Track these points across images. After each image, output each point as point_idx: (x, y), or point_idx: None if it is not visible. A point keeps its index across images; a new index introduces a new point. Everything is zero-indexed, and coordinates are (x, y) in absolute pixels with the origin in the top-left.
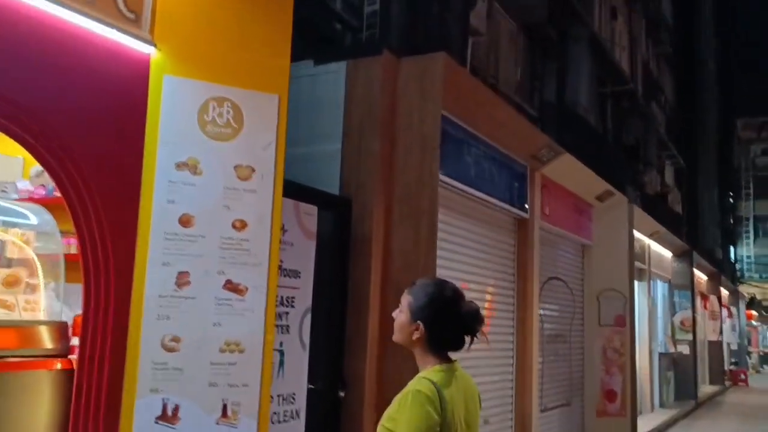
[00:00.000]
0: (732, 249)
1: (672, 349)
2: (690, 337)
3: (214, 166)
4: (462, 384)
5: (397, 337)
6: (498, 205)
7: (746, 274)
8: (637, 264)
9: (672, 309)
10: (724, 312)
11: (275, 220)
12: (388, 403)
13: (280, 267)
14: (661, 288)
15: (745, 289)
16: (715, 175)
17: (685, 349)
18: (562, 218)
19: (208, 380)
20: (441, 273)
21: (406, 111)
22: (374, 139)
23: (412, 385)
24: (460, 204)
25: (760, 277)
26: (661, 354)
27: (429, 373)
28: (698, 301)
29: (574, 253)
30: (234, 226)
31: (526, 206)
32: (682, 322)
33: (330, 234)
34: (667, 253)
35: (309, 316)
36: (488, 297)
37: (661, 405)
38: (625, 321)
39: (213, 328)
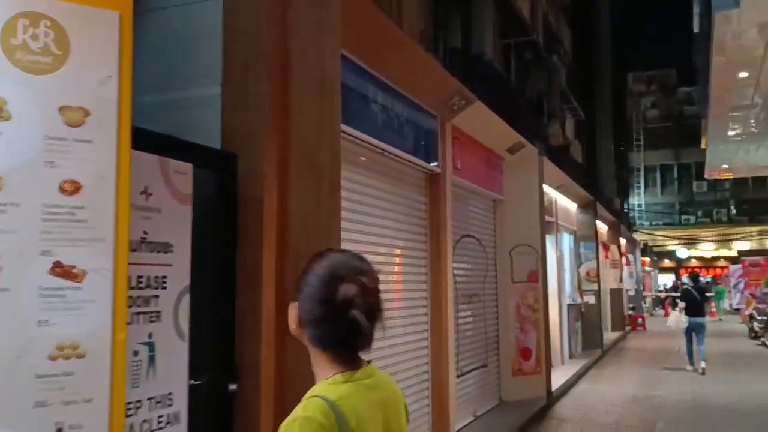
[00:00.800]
0: (625, 199)
1: (579, 300)
2: (595, 287)
3: (29, 107)
4: (378, 396)
5: (292, 330)
6: (407, 159)
7: (638, 223)
8: (546, 217)
9: (578, 260)
10: (623, 260)
11: (122, 180)
12: (289, 394)
13: (143, 240)
14: (567, 240)
15: (638, 237)
16: (610, 128)
17: (591, 299)
18: (474, 172)
19: (34, 399)
20: (346, 237)
21: (300, 46)
22: (262, 80)
23: (301, 407)
24: (366, 158)
25: (650, 224)
26: (569, 306)
27: (324, 386)
28: (601, 251)
29: (486, 208)
30: (62, 190)
31: (438, 160)
32: (587, 273)
33: (211, 197)
34: (573, 205)
35: (187, 298)
36: (398, 260)
37: (571, 356)
38: (538, 276)
39: (38, 329)
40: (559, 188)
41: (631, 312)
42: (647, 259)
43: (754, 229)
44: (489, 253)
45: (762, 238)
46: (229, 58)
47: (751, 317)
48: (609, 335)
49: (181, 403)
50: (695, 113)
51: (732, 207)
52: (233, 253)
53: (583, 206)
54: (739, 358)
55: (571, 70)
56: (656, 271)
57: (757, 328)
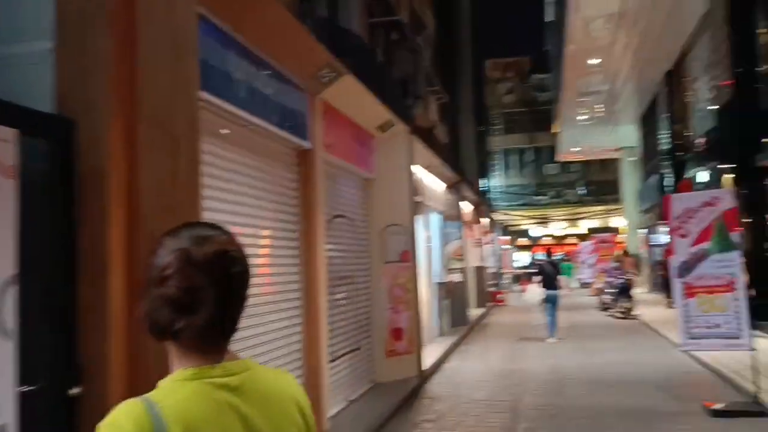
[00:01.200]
0: (486, 181)
1: (447, 279)
2: (461, 265)
3: None
4: (235, 399)
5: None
6: (276, 134)
7: (495, 204)
8: (416, 197)
9: (445, 240)
10: (485, 239)
11: None
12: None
13: None
14: (436, 220)
15: (497, 217)
16: (471, 112)
17: (457, 278)
18: (346, 150)
19: None
20: (208, 217)
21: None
22: (102, 36)
23: (113, 410)
24: (230, 131)
25: (508, 205)
26: (438, 284)
27: (165, 385)
28: (465, 230)
29: (358, 188)
30: None
31: (307, 136)
32: (454, 252)
33: (43, 169)
34: (440, 186)
35: (13, 291)
36: (268, 241)
37: (441, 334)
38: (409, 256)
39: None
40: (427, 168)
41: (492, 289)
42: (505, 238)
43: (600, 208)
44: (361, 233)
45: (607, 217)
46: (62, 9)
47: (602, 291)
48: (474, 312)
49: (7, 415)
50: (548, 99)
51: (580, 188)
52: (72, 236)
53: (449, 186)
54: (593, 329)
55: (434, 54)
56: (513, 249)
57: (607, 301)
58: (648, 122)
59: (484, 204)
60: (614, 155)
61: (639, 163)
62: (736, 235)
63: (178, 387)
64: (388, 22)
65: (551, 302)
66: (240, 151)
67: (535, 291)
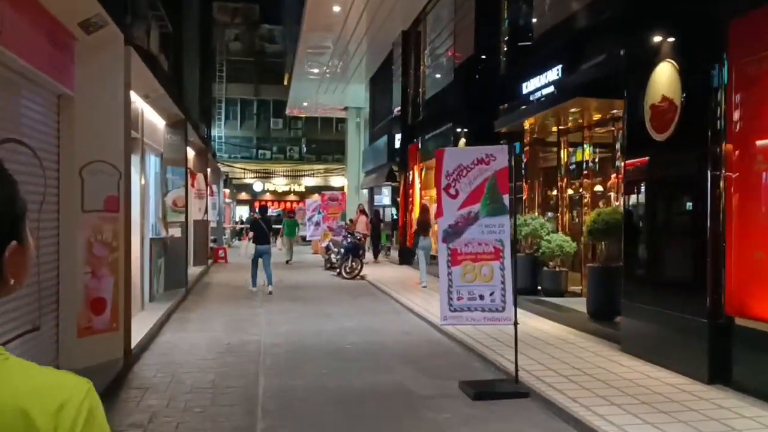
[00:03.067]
0: (208, 129)
1: (164, 233)
2: (182, 218)
3: None
4: None
5: None
6: None
7: (218, 155)
8: (132, 132)
9: (164, 188)
10: (209, 190)
11: None
12: None
13: None
14: (154, 163)
15: (221, 168)
16: (197, 54)
17: (177, 232)
18: (30, 46)
19: None
20: None
21: None
22: None
23: None
24: None
25: (230, 156)
26: (152, 240)
27: None
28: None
29: (47, 105)
30: None
31: None
32: (174, 202)
33: None
34: (160, 122)
35: None
36: None
37: (152, 299)
38: (118, 204)
39: None
40: (147, 99)
41: (213, 245)
42: (227, 191)
43: (321, 167)
44: (49, 170)
45: (327, 176)
46: None
47: (328, 249)
48: (192, 270)
49: None
50: (277, 51)
51: (303, 145)
52: None
53: (172, 125)
54: (322, 290)
55: None
56: (235, 203)
57: (334, 260)
58: (378, 83)
59: (208, 152)
60: (341, 114)
61: (365, 124)
62: (506, 198)
63: None
64: None
65: (263, 256)
66: None
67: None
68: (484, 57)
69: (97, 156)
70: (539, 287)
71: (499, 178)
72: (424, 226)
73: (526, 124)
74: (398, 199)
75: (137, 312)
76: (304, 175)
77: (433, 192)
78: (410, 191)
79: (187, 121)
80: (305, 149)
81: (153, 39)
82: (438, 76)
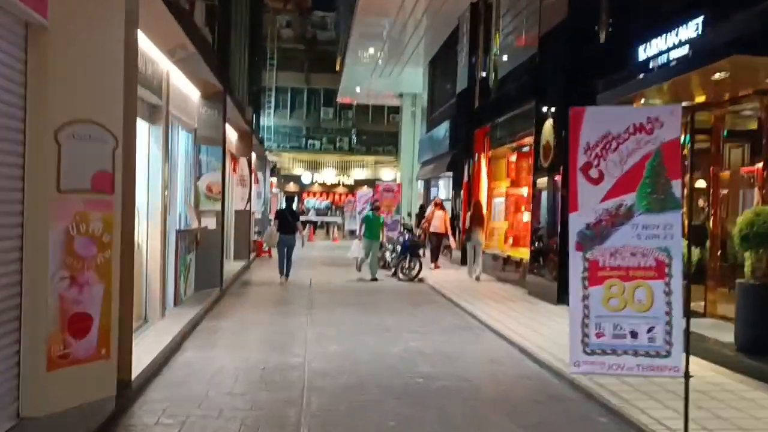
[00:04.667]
0: (256, 116)
1: (195, 224)
2: (218, 206)
3: None
4: None
5: None
6: None
7: (266, 144)
8: (150, 96)
9: (197, 170)
10: (253, 178)
11: None
12: None
13: None
14: (184, 139)
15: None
16: (246, 35)
17: (211, 223)
18: None
19: None
20: None
21: None
22: None
23: None
24: None
25: (279, 146)
26: (179, 232)
27: None
28: (228, 163)
29: (8, 36)
30: None
31: None
32: (209, 188)
33: None
34: (194, 92)
35: None
36: None
37: (176, 303)
38: (112, 183)
39: None
40: (175, 58)
41: (257, 237)
42: (274, 180)
43: (371, 158)
44: (10, 132)
45: (377, 168)
46: None
47: (381, 246)
48: (231, 266)
49: None
50: (329, 39)
51: (354, 136)
52: None
53: (208, 97)
54: (376, 294)
55: None
56: (282, 194)
57: (388, 258)
58: (439, 65)
59: (254, 136)
60: (394, 102)
61: (423, 111)
62: (676, 185)
63: None
64: None
65: (288, 246)
66: None
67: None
68: (579, 21)
69: (81, 114)
70: None
71: (667, 155)
72: (478, 220)
73: (640, 100)
74: (460, 192)
75: (155, 320)
76: (353, 167)
77: (504, 184)
78: (476, 183)
79: (226, 93)
80: (355, 140)
81: (197, 10)
82: (515, 49)
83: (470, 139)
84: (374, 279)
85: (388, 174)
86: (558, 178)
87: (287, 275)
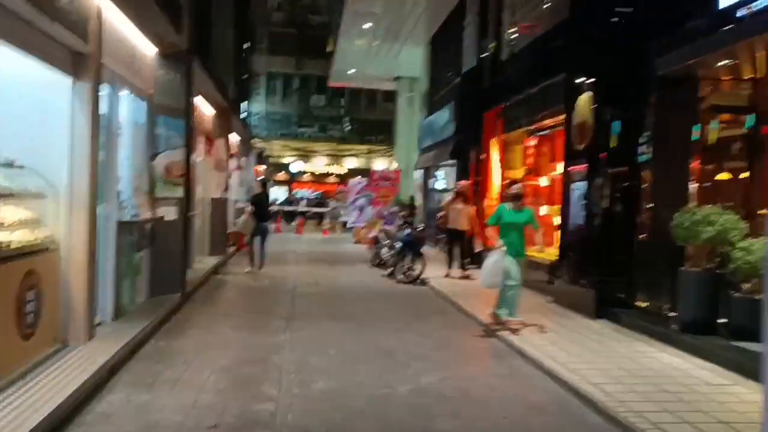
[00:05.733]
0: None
1: (146, 214)
2: (179, 192)
3: None
4: None
5: None
6: None
7: (255, 131)
8: (65, 34)
9: (151, 146)
10: (234, 163)
11: None
12: None
13: None
14: (132, 105)
15: (256, 144)
16: (231, 16)
17: (171, 213)
18: None
19: None
20: None
21: None
22: None
23: None
24: None
25: (269, 133)
26: (122, 225)
27: None
28: (202, 144)
29: None
30: None
31: None
32: (167, 170)
33: None
34: (148, 48)
35: None
36: None
37: (119, 316)
38: None
39: None
40: None
41: (236, 228)
42: (262, 168)
43: (364, 147)
44: None
45: (369, 158)
46: None
47: (377, 241)
48: (202, 263)
49: None
50: (321, 23)
51: (346, 124)
52: None
53: (167, 55)
54: (372, 302)
55: None
56: (271, 182)
57: (385, 255)
58: (441, 42)
59: (235, 115)
60: (389, 86)
61: (421, 96)
62: None
63: None
64: None
65: (262, 234)
66: None
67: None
68: None
69: None
70: (721, 321)
71: None
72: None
73: (721, 62)
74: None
75: (79, 344)
76: (345, 155)
77: (519, 172)
78: (484, 171)
79: (192, 54)
80: (348, 128)
81: None
82: (536, 15)
83: (478, 122)
84: (512, 328)
85: (381, 164)
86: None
87: (260, 266)
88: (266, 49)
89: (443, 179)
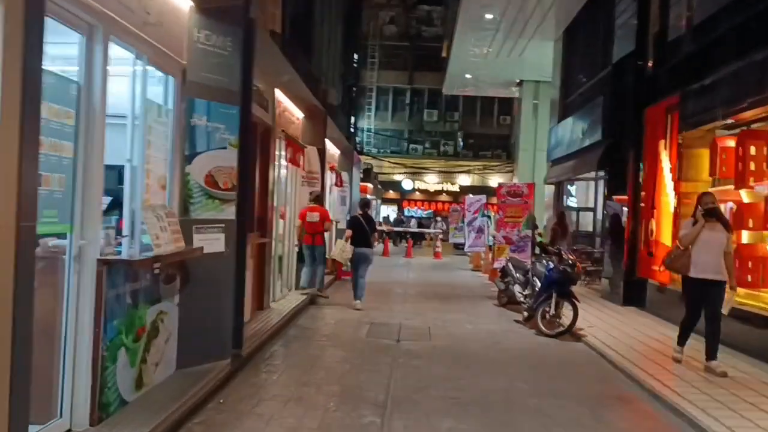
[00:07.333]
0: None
1: (172, 245)
2: (230, 212)
3: None
4: None
5: None
6: None
7: (366, 149)
8: None
9: (188, 145)
10: (332, 177)
11: None
12: None
13: None
14: (148, 80)
15: (364, 159)
16: (341, 31)
17: (216, 244)
18: None
19: None
20: None
21: None
22: None
23: None
24: None
25: (379, 151)
26: (112, 264)
27: None
28: (282, 148)
29: None
30: None
31: None
32: (209, 179)
33: None
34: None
35: None
36: None
37: (104, 414)
38: None
39: None
40: None
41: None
42: (369, 186)
43: (478, 164)
44: None
45: (484, 174)
46: None
47: (504, 273)
48: (286, 300)
49: None
50: (434, 35)
51: (460, 140)
52: None
53: (211, 15)
54: (506, 372)
55: None
56: (379, 201)
57: (518, 294)
58: (579, 33)
59: (334, 123)
60: (508, 94)
61: (551, 102)
62: None
63: None
64: None
65: (360, 262)
66: None
67: (344, 245)
68: None
69: None
70: None
71: None
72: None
73: None
74: (616, 198)
75: None
76: (458, 172)
77: (705, 184)
78: (654, 182)
79: (248, 12)
80: (461, 144)
81: None
82: None
83: (639, 121)
84: None
85: (497, 181)
86: None
87: (359, 297)
88: (378, 62)
89: (573, 195)
